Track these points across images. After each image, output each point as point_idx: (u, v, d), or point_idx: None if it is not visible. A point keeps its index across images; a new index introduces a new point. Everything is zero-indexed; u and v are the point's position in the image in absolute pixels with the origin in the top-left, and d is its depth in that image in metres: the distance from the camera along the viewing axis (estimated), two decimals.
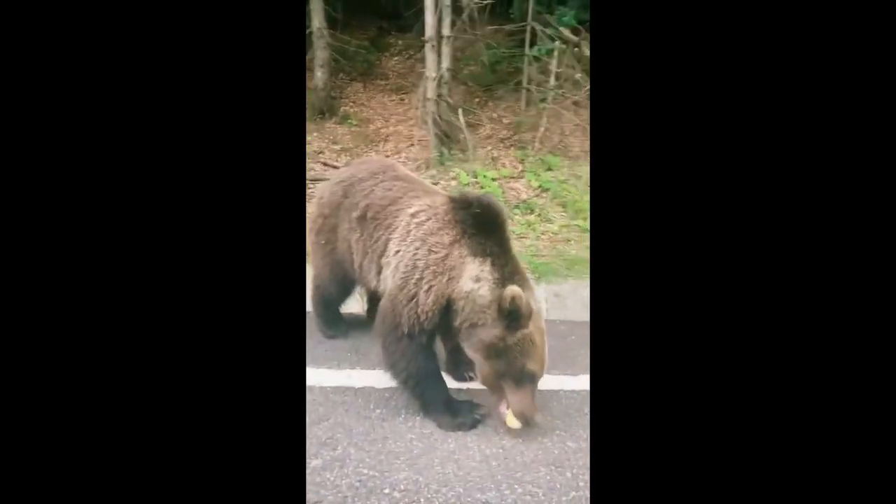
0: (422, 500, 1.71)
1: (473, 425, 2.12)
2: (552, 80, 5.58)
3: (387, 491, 1.74)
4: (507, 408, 2.03)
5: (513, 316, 1.94)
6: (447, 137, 5.61)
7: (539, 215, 4.95)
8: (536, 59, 5.72)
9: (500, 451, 1.98)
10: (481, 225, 2.12)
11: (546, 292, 3.80)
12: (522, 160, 5.75)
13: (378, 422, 2.11)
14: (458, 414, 2.15)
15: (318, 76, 6.31)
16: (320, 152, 5.91)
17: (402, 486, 1.76)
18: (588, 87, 5.52)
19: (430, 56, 5.33)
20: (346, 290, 2.82)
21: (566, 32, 5.68)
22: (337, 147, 6.12)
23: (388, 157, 6.06)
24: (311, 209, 2.79)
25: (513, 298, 1.92)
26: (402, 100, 7.07)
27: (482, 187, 5.16)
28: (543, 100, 5.58)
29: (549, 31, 5.72)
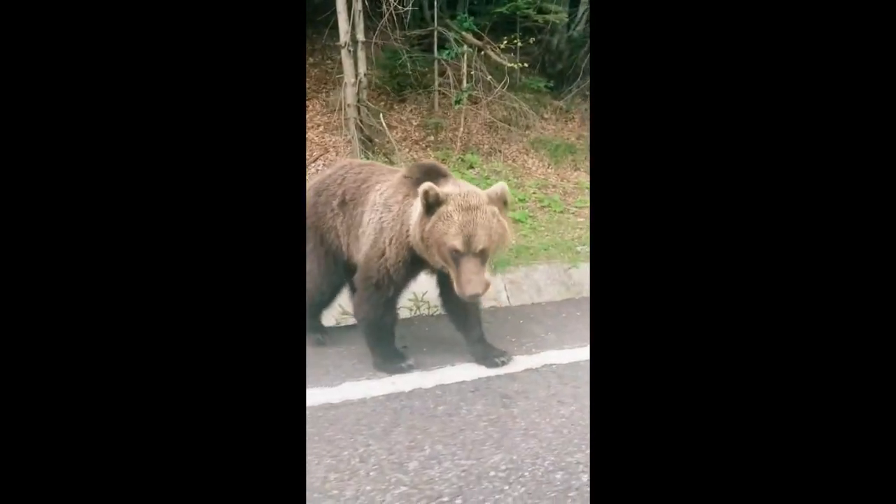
0: (526, 473, 1.87)
1: (407, 370, 2.56)
2: (465, 83, 5.88)
3: (492, 473, 1.87)
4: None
5: (430, 206, 2.26)
6: (370, 142, 5.64)
7: None
8: (447, 62, 5.97)
9: (564, 419, 2.21)
10: (426, 178, 2.43)
11: (503, 281, 4.11)
12: (444, 160, 5.99)
13: (446, 418, 2.21)
14: (394, 360, 2.59)
15: None
16: None
17: (502, 467, 1.90)
18: (498, 88, 5.94)
19: (346, 62, 5.30)
20: (338, 284, 2.95)
21: (469, 37, 6.03)
22: None
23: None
24: None
25: (425, 192, 2.24)
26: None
27: None
28: (459, 101, 5.85)
29: (452, 35, 6.01)
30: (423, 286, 3.55)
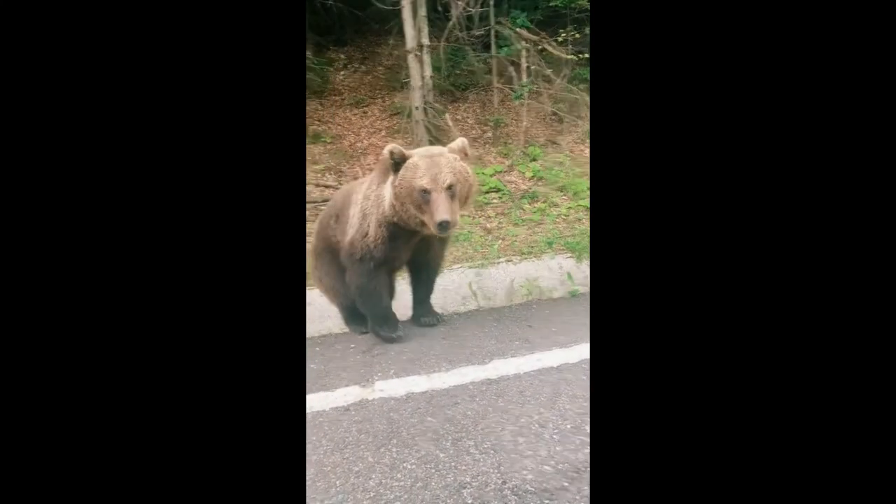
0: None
1: (397, 340, 2.90)
2: (524, 77, 6.03)
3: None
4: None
5: (396, 163, 2.58)
6: (438, 141, 5.83)
7: (546, 202, 5.37)
8: (510, 60, 6.13)
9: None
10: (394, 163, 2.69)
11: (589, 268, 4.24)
12: (506, 154, 6.14)
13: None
14: (388, 324, 2.95)
15: None
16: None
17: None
18: (558, 80, 6.07)
19: (413, 66, 5.50)
20: None
21: (525, 33, 6.17)
22: (319, 167, 6.04)
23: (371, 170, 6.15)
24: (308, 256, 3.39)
25: (390, 151, 2.58)
26: (364, 113, 7.10)
27: (482, 184, 5.48)
28: (520, 96, 6.00)
29: (508, 31, 6.17)
30: (535, 272, 3.72)
